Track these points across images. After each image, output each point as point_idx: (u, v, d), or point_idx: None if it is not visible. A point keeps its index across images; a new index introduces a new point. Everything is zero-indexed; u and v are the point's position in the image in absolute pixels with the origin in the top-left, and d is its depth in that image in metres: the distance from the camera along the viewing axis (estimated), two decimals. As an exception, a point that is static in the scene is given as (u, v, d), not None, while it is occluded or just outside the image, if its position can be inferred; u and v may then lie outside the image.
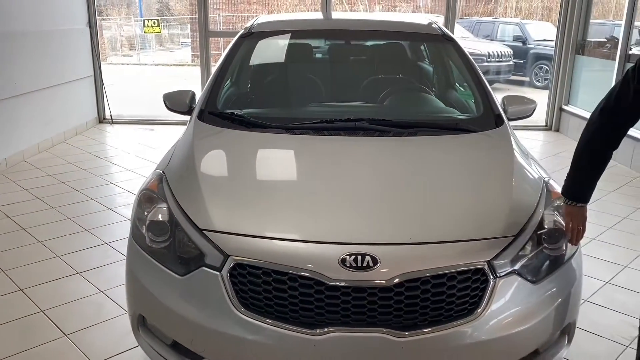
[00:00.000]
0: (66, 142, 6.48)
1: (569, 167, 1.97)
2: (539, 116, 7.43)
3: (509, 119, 2.89)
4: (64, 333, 2.68)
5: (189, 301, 1.92)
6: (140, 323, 2.13)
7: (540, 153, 6.36)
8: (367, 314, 1.81)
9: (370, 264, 1.82)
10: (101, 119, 7.57)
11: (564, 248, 2.06)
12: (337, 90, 3.26)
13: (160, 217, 2.09)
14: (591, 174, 1.94)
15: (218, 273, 1.88)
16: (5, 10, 5.35)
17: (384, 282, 1.80)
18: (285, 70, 3.47)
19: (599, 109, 1.87)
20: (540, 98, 10.50)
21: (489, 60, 12.08)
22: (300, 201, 2.12)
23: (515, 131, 2.75)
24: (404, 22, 3.72)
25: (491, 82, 12.13)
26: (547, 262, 2.02)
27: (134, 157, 5.94)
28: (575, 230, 2.01)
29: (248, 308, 1.85)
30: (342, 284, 1.80)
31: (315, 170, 2.37)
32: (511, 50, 12.37)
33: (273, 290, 1.84)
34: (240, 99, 3.23)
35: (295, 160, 2.51)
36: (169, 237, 2.05)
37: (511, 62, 12.39)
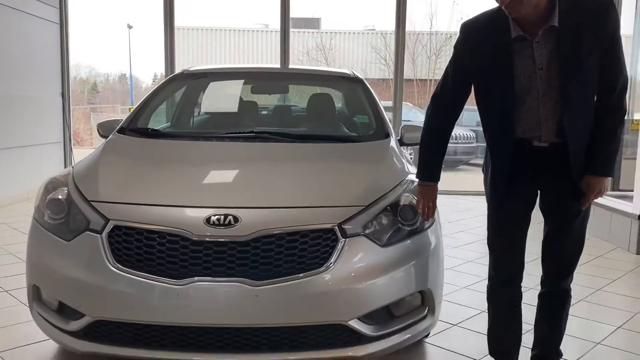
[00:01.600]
0: (27, 201, 6.73)
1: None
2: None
3: (407, 144, 3.26)
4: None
5: (73, 262, 2.15)
6: (36, 297, 2.32)
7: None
8: (227, 265, 2.05)
9: (232, 222, 2.08)
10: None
11: (417, 223, 2.34)
12: (254, 118, 3.65)
13: (59, 197, 2.36)
14: (433, 154, 2.26)
15: (99, 235, 2.13)
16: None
17: (242, 237, 2.05)
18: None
19: (430, 99, 2.23)
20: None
21: (454, 141, 12.65)
22: (177, 178, 2.47)
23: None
24: (325, 69, 4.18)
25: (456, 163, 12.82)
26: (399, 232, 2.29)
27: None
28: (425, 206, 2.29)
29: (122, 264, 2.07)
30: (206, 239, 2.05)
31: (201, 160, 2.70)
32: (474, 134, 13.00)
33: (144, 247, 2.08)
34: (161, 123, 3.58)
35: (187, 152, 2.83)
36: (65, 215, 2.30)
37: (474, 145, 13.00)
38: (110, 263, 2.07)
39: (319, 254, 2.10)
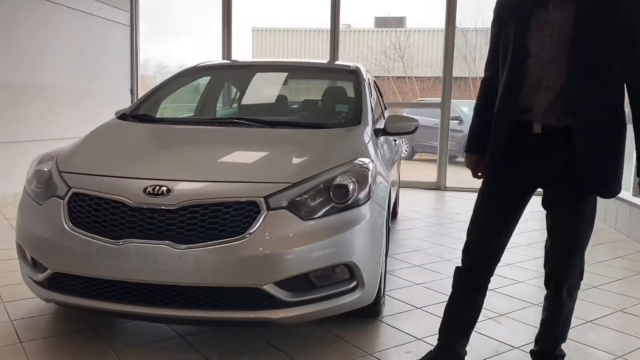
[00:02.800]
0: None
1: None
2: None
3: (390, 133, 3.40)
4: None
5: (40, 222, 2.52)
6: (21, 254, 2.72)
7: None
8: (157, 230, 2.32)
9: (165, 192, 2.36)
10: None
11: (350, 201, 2.50)
12: (256, 108, 3.94)
13: (45, 169, 2.75)
14: (476, 125, 2.29)
15: (62, 200, 2.48)
16: (53, 66, 6.54)
17: (172, 205, 2.32)
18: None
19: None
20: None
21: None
22: (133, 154, 2.82)
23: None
24: (329, 63, 4.37)
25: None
26: (327, 208, 2.45)
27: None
28: (474, 176, 2.33)
29: (76, 225, 2.41)
30: (141, 206, 2.34)
31: (163, 140, 3.00)
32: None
33: (93, 211, 2.41)
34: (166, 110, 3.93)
35: (157, 134, 3.14)
36: (45, 184, 2.68)
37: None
38: (66, 224, 2.42)
39: (240, 224, 2.32)
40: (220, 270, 2.30)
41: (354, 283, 2.52)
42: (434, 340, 2.39)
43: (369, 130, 3.21)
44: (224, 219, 2.32)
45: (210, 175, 2.50)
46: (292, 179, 2.47)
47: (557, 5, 1.96)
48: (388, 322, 2.93)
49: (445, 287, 3.45)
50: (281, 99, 4.02)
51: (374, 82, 4.54)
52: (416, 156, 12.95)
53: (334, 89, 4.26)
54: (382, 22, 19.07)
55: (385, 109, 5.03)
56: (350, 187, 2.53)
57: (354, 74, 3.84)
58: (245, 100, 4.07)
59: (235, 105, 4.05)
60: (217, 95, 4.24)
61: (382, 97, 5.23)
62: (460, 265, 2.27)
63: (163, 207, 2.33)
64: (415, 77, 18.20)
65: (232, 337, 2.66)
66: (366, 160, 2.75)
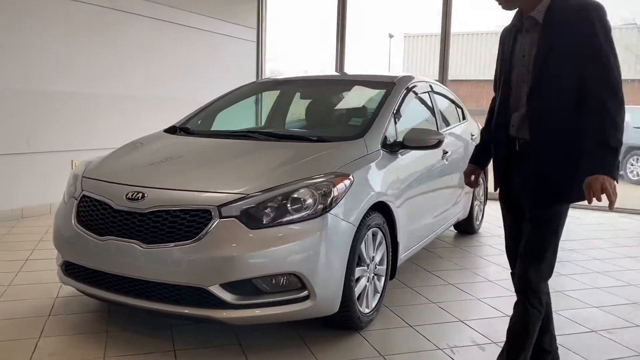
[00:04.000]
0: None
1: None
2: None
3: (409, 147, 3.40)
4: None
5: (62, 218, 3.04)
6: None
7: None
8: (130, 230, 2.69)
9: (140, 197, 2.72)
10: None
11: (306, 214, 2.64)
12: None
13: (77, 172, 3.27)
14: (480, 142, 2.62)
15: (75, 200, 2.99)
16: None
17: (143, 210, 2.68)
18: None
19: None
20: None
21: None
22: (135, 163, 3.19)
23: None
24: (374, 75, 4.37)
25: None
26: (280, 218, 2.62)
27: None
28: (467, 183, 2.65)
29: (79, 222, 2.89)
30: (120, 209, 2.74)
31: (169, 151, 3.32)
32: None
33: (90, 211, 2.87)
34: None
35: (172, 146, 3.47)
36: (74, 185, 3.19)
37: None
38: (74, 221, 2.91)
39: (193, 229, 2.58)
40: (172, 270, 2.59)
41: (305, 292, 2.63)
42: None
43: (372, 144, 3.25)
44: (180, 224, 2.61)
45: (177, 184, 2.79)
46: (248, 190, 2.66)
47: (529, 29, 2.18)
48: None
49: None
50: (312, 112, 4.20)
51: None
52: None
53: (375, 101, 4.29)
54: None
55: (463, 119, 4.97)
56: (308, 200, 2.65)
57: (389, 87, 3.84)
58: (283, 114, 4.35)
59: (272, 118, 4.33)
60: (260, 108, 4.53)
61: (460, 108, 5.10)
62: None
63: (136, 211, 2.69)
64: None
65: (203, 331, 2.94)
66: (345, 173, 2.84)
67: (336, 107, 4.19)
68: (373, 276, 3.11)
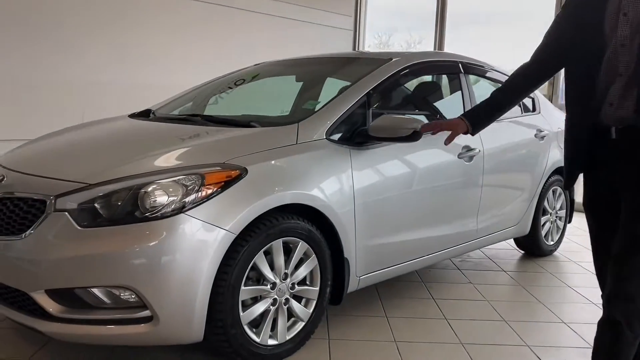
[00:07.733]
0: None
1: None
2: None
3: (374, 138, 2.67)
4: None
5: None
6: None
7: None
8: None
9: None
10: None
11: (148, 214, 2.06)
12: None
13: None
14: (488, 100, 2.19)
15: None
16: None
17: None
18: None
19: None
20: None
21: None
22: (45, 148, 2.79)
23: None
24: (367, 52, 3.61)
25: None
26: (121, 216, 2.08)
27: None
28: (434, 127, 2.40)
29: None
30: None
31: (91, 136, 2.90)
32: None
33: None
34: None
35: (104, 130, 3.02)
36: None
37: None
38: None
39: (26, 222, 2.14)
40: (2, 268, 2.19)
41: (147, 312, 2.05)
42: None
43: (310, 132, 2.55)
44: (17, 214, 2.19)
45: (38, 168, 2.38)
46: (91, 179, 2.15)
47: None
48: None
49: None
50: (288, 96, 3.54)
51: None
52: None
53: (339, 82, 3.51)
54: None
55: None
56: (159, 197, 2.07)
57: (379, 64, 3.07)
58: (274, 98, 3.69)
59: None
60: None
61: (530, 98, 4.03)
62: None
63: None
64: None
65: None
66: (235, 166, 2.23)
67: (310, 90, 3.48)
68: (286, 299, 2.41)
